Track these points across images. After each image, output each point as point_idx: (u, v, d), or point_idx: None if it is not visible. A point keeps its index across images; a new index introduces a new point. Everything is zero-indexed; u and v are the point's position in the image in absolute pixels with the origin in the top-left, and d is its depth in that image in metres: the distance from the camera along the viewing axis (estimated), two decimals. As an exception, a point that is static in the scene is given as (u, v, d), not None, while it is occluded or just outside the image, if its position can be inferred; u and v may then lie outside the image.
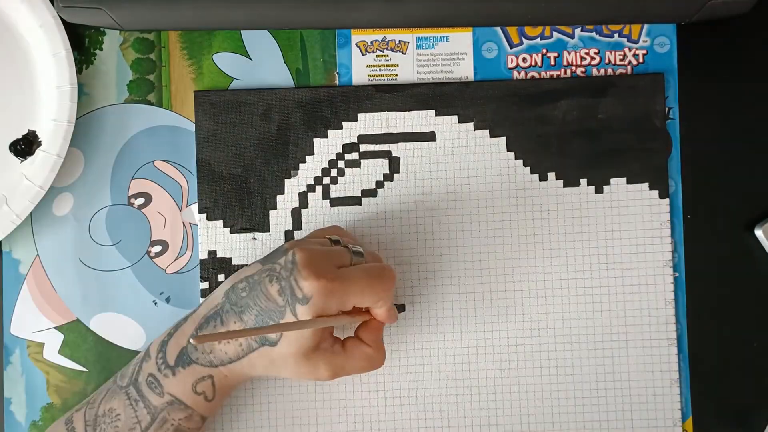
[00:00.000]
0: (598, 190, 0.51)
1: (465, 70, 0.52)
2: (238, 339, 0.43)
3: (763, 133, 0.52)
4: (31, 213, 0.51)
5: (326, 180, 0.52)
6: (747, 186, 0.52)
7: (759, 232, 0.51)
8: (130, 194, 0.52)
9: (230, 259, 0.51)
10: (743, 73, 0.52)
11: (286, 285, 0.42)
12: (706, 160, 0.52)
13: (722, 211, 0.52)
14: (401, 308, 0.51)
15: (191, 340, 0.37)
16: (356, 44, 0.52)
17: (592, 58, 0.52)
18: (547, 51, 0.52)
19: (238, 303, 0.43)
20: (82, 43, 0.52)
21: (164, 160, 0.52)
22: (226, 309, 0.44)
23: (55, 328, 0.52)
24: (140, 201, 0.52)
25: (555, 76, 0.52)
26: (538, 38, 0.52)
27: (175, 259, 0.52)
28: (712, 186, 0.52)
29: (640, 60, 0.52)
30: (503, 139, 0.52)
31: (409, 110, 0.52)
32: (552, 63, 0.52)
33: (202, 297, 0.51)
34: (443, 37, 0.52)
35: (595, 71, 0.52)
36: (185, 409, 0.44)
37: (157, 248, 0.52)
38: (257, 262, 0.45)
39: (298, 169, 0.52)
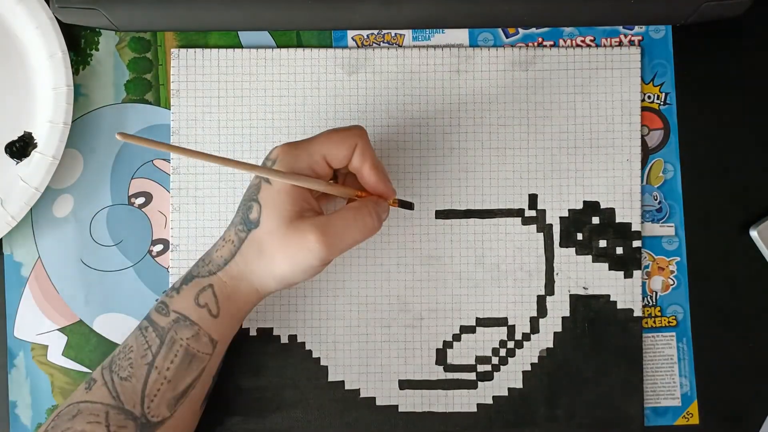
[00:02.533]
0: None
1: (461, 61, 0.52)
2: (231, 239, 0.44)
3: (756, 135, 0.53)
4: (31, 215, 0.51)
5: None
6: (742, 186, 0.53)
7: (754, 233, 0.52)
8: (130, 194, 0.52)
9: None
10: (738, 74, 0.53)
11: (261, 167, 0.43)
12: (702, 158, 0.53)
13: (717, 212, 0.52)
14: (409, 205, 0.47)
15: (116, 135, 0.37)
16: (352, 38, 0.52)
17: (588, 46, 0.52)
18: (543, 40, 0.52)
19: (234, 221, 0.45)
20: (78, 44, 0.52)
21: (163, 159, 0.52)
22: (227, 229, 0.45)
23: (58, 329, 0.51)
24: (141, 200, 0.52)
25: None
26: (534, 27, 0.52)
27: (177, 258, 0.52)
28: (708, 186, 0.52)
29: (636, 46, 0.52)
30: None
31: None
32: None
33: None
34: (439, 29, 0.52)
35: (591, 59, 0.53)
36: (191, 325, 0.44)
37: (159, 247, 0.52)
38: None
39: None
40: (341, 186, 0.46)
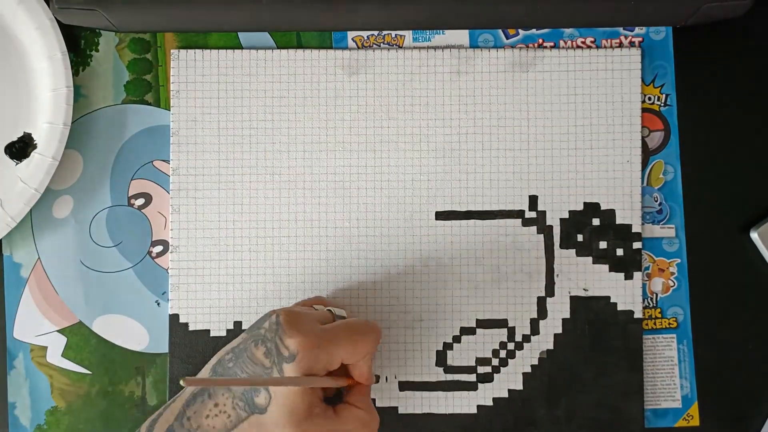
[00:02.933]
0: None
1: (462, 63, 0.52)
2: (226, 411, 0.42)
3: (757, 136, 0.53)
4: (31, 216, 0.51)
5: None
6: (743, 188, 0.52)
7: (754, 235, 0.52)
8: (129, 195, 0.52)
9: (232, 257, 0.52)
10: (739, 76, 0.53)
11: (272, 346, 0.41)
12: (703, 160, 0.53)
13: (718, 214, 0.52)
14: (395, 378, 0.51)
15: (181, 381, 0.36)
16: (353, 39, 0.52)
17: (588, 47, 0.52)
18: (544, 41, 0.52)
19: (226, 374, 0.43)
20: (78, 45, 0.52)
21: (163, 160, 0.52)
22: None
23: (57, 331, 0.51)
24: (140, 201, 0.52)
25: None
26: (534, 29, 0.52)
27: (177, 259, 0.52)
28: (708, 188, 0.52)
29: (636, 47, 0.52)
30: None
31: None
32: (548, 53, 0.53)
33: (204, 296, 0.51)
34: (439, 30, 0.52)
35: (591, 60, 0.52)
36: None
37: (159, 248, 0.52)
38: (243, 333, 0.45)
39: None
40: (338, 378, 0.45)
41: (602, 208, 0.52)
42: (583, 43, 0.52)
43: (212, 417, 0.42)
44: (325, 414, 0.43)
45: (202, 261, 0.51)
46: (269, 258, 0.51)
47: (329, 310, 0.46)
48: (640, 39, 0.52)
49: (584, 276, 0.52)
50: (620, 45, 0.52)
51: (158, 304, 0.51)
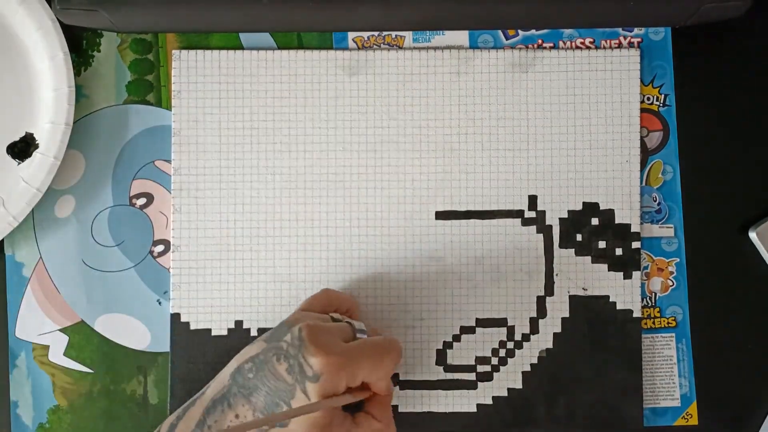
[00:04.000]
0: None
1: (462, 63, 0.53)
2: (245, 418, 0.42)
3: (756, 136, 0.53)
4: (33, 216, 0.51)
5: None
6: (741, 188, 0.53)
7: (753, 235, 0.52)
8: (131, 194, 0.52)
9: (233, 256, 0.52)
10: (738, 76, 0.53)
11: (295, 363, 0.41)
12: (702, 160, 0.53)
13: (717, 213, 0.53)
14: (395, 377, 0.50)
15: None
16: (353, 39, 0.53)
17: (588, 48, 0.52)
18: (543, 42, 0.53)
19: (246, 385, 0.42)
20: (80, 45, 0.52)
21: (165, 160, 0.52)
22: (234, 392, 0.43)
23: (59, 330, 0.52)
24: (142, 201, 0.52)
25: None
26: (534, 29, 0.53)
27: (178, 258, 0.52)
28: (707, 187, 0.53)
29: (635, 48, 0.52)
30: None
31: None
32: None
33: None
34: (439, 30, 0.53)
35: (590, 60, 0.53)
36: None
37: (160, 248, 0.52)
38: (260, 339, 0.44)
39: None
40: (357, 393, 0.45)
41: (601, 208, 0.52)
42: (582, 43, 0.53)
43: (227, 419, 0.42)
44: (344, 423, 0.43)
45: (203, 260, 0.51)
46: (270, 257, 0.52)
47: (348, 322, 0.46)
48: (639, 39, 0.53)
49: (583, 275, 0.52)
50: (619, 45, 0.53)
51: (160, 303, 0.52)
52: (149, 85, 0.52)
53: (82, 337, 0.52)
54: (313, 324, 0.42)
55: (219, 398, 0.43)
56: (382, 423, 0.45)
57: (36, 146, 0.51)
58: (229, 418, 0.42)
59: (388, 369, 0.44)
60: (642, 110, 0.52)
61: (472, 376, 0.51)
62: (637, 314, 0.52)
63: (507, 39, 0.53)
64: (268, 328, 0.51)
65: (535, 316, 0.52)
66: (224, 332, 0.51)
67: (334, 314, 0.47)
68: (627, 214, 0.52)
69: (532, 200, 0.52)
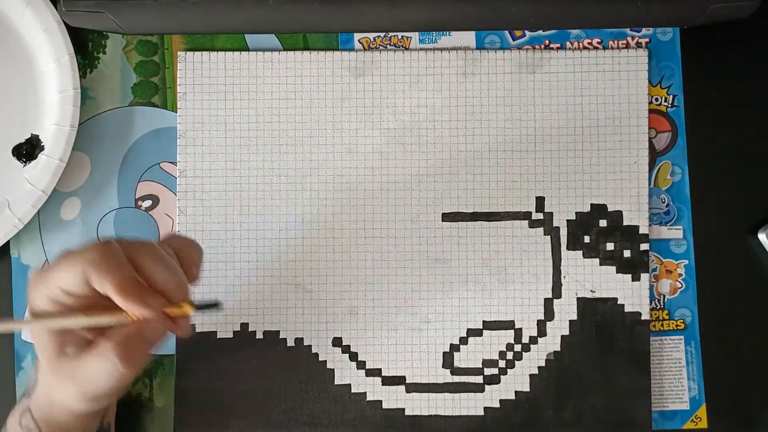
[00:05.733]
0: None
1: (468, 64, 0.52)
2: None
3: (765, 137, 0.52)
4: (39, 218, 0.51)
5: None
6: (750, 189, 0.52)
7: (762, 236, 0.51)
8: (137, 197, 0.52)
9: (239, 258, 0.52)
10: (747, 76, 0.53)
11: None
12: (710, 161, 0.52)
13: (725, 215, 0.52)
14: (213, 306, 0.39)
15: None
16: (359, 41, 0.52)
17: (595, 48, 0.52)
18: (550, 42, 0.52)
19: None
20: (86, 47, 0.52)
21: (170, 162, 0.52)
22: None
23: (65, 332, 0.52)
24: (148, 203, 0.52)
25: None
26: (541, 30, 0.52)
27: (184, 261, 0.52)
28: (716, 189, 0.52)
29: (643, 48, 0.52)
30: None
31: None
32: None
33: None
34: (446, 31, 0.52)
35: (598, 61, 0.52)
36: None
37: (166, 250, 0.52)
38: None
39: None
40: (98, 314, 0.37)
41: (609, 210, 0.52)
42: (589, 44, 0.52)
43: (35, 369, 0.41)
44: (77, 353, 0.37)
45: (208, 263, 0.51)
46: (276, 259, 0.51)
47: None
48: (647, 40, 0.52)
49: (591, 277, 0.51)
50: (627, 46, 0.52)
51: (165, 305, 0.51)
52: (155, 87, 0.52)
53: (88, 340, 0.51)
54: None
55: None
56: (113, 342, 0.36)
57: (41, 148, 0.51)
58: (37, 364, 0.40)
59: (76, 269, 0.36)
60: (650, 111, 0.52)
61: (479, 379, 0.51)
62: (645, 317, 0.51)
63: (514, 40, 0.52)
64: (274, 331, 0.51)
65: (543, 318, 0.51)
66: (230, 335, 0.51)
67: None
68: (635, 215, 0.52)
69: (540, 202, 0.52)
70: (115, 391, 0.38)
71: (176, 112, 0.52)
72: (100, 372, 0.37)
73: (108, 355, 0.36)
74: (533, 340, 0.51)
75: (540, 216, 0.52)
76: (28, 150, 0.51)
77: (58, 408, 0.40)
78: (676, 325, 0.52)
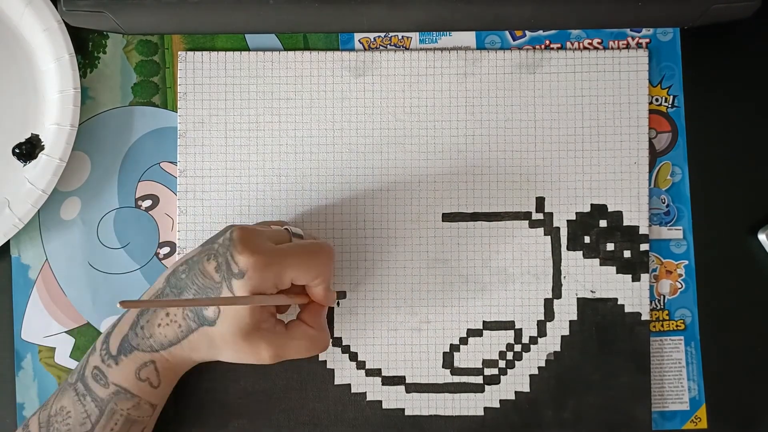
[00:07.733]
0: None
1: (468, 64, 0.52)
2: (177, 321, 0.43)
3: (765, 137, 0.52)
4: (39, 217, 0.51)
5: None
6: (751, 190, 0.52)
7: (762, 237, 0.51)
8: (137, 196, 0.52)
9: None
10: (747, 77, 0.53)
11: (223, 261, 0.42)
12: (710, 161, 0.52)
13: (726, 215, 0.52)
14: (342, 295, 0.51)
15: (117, 304, 0.36)
16: (359, 41, 0.52)
17: (595, 48, 0.52)
18: (550, 42, 0.52)
19: (178, 285, 0.43)
20: (86, 47, 0.52)
21: (170, 162, 0.52)
22: (166, 293, 0.44)
23: (65, 332, 0.52)
24: (148, 203, 0.52)
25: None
26: (541, 30, 0.52)
27: (184, 260, 0.52)
28: (716, 189, 0.52)
29: (644, 49, 0.52)
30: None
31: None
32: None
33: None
34: (446, 31, 0.52)
35: (598, 61, 0.52)
36: (132, 397, 0.44)
37: (166, 250, 0.52)
38: (199, 246, 0.45)
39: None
40: (293, 296, 0.45)
41: (609, 210, 0.52)
42: (590, 44, 0.52)
43: (164, 326, 0.43)
44: (275, 330, 0.44)
45: (209, 262, 0.51)
46: (276, 259, 0.51)
47: (286, 229, 0.46)
48: (648, 40, 0.52)
49: (591, 278, 0.51)
50: (627, 46, 0.52)
51: (165, 305, 0.52)
52: (155, 87, 0.52)
53: (88, 339, 0.51)
54: (244, 226, 0.43)
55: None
56: (314, 329, 0.45)
57: (41, 148, 0.51)
58: (160, 317, 0.43)
59: (318, 271, 0.44)
60: (650, 111, 0.52)
61: (479, 380, 0.51)
62: (645, 317, 0.51)
63: (514, 40, 0.52)
64: (274, 331, 0.51)
65: (543, 318, 0.51)
66: (230, 335, 0.51)
67: (275, 225, 0.47)
68: (635, 216, 0.52)
69: (540, 202, 0.52)
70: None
71: (176, 112, 0.52)
72: (306, 341, 0.44)
73: (318, 330, 0.45)
74: (533, 340, 0.51)
75: (540, 216, 0.52)
76: (28, 149, 0.51)
77: (188, 363, 0.45)
78: (676, 326, 0.52)
